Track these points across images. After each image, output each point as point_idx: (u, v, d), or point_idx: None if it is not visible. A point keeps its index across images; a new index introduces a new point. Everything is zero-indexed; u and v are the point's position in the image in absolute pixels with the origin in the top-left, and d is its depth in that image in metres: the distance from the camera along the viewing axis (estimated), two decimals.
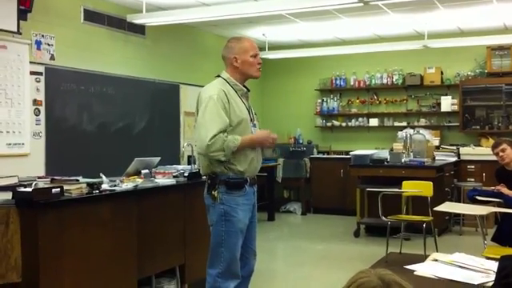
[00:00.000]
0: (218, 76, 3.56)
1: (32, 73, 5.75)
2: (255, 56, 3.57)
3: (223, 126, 3.29)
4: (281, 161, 9.36)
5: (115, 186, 3.99)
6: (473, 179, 8.17)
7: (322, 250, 6.78)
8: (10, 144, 5.49)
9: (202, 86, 3.58)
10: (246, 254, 3.57)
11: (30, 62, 5.73)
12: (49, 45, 5.99)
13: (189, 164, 5.48)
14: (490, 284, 2.00)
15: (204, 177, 3.59)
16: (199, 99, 3.44)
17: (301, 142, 9.82)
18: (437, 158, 7.96)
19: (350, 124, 9.84)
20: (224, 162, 3.35)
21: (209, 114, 3.30)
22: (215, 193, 3.37)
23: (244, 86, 3.60)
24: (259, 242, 6.04)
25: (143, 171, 4.38)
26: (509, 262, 1.80)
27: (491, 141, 7.41)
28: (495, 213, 5.28)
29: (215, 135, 3.25)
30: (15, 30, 5.45)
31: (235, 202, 3.40)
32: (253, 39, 7.65)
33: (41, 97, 5.85)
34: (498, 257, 2.29)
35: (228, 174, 3.38)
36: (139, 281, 4.19)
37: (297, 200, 9.71)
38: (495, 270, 1.87)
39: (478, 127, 8.80)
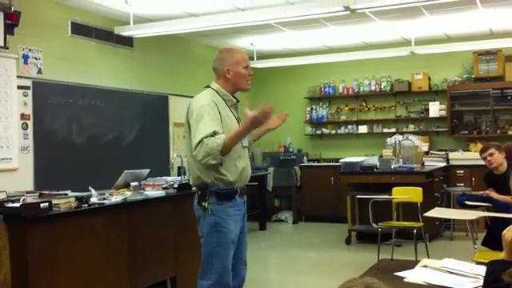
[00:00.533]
0: (208, 86, 3.55)
1: (19, 87, 5.73)
2: (247, 67, 3.58)
3: (210, 131, 3.21)
4: (271, 170, 9.36)
5: (104, 199, 3.98)
6: (462, 184, 8.20)
7: (314, 258, 6.78)
8: None
9: (192, 97, 3.57)
10: (237, 264, 3.55)
11: (18, 77, 5.71)
12: (36, 58, 5.97)
13: (179, 175, 5.48)
14: None
15: (194, 188, 3.56)
16: (189, 110, 3.39)
17: (291, 150, 9.83)
18: (426, 163, 8.00)
19: (339, 131, 9.87)
20: (215, 171, 3.32)
21: (200, 123, 3.25)
22: (206, 204, 3.35)
23: (233, 97, 3.58)
24: (251, 251, 6.02)
25: (132, 183, 4.37)
26: (497, 267, 1.81)
27: (479, 145, 7.45)
28: (485, 217, 5.30)
29: (198, 143, 3.20)
30: (2, 44, 5.44)
31: (226, 213, 3.38)
32: (241, 49, 7.66)
33: (28, 111, 5.82)
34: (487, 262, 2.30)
35: (218, 184, 3.36)
36: None
37: (288, 208, 9.71)
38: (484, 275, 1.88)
39: (466, 132, 8.86)
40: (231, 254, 3.42)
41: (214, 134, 3.20)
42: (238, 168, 3.46)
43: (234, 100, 3.60)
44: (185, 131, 3.48)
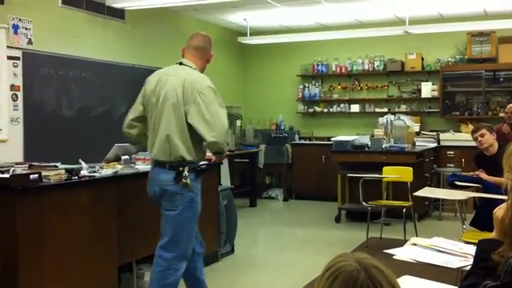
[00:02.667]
0: (181, 63, 3.61)
1: (9, 57, 5.65)
2: None
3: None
4: (262, 147, 9.36)
5: (94, 172, 3.95)
6: (452, 165, 8.25)
7: (303, 236, 6.82)
8: None
9: None
10: (198, 233, 3.72)
11: (7, 47, 5.63)
12: (26, 29, 5.88)
13: None
14: (469, 268, 2.01)
15: (166, 164, 3.47)
16: (190, 88, 3.39)
17: (282, 128, 9.82)
18: (417, 143, 8.02)
19: (331, 110, 9.86)
20: (200, 149, 3.49)
21: (217, 103, 3.42)
22: (187, 180, 3.39)
23: None
24: (241, 227, 6.07)
25: (123, 157, 4.34)
26: (487, 246, 1.81)
27: (471, 127, 7.46)
28: (474, 198, 5.34)
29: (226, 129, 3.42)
30: None
31: (197, 189, 3.51)
32: (234, 24, 7.59)
33: (18, 82, 5.75)
34: (477, 241, 2.32)
35: (196, 162, 3.47)
36: (120, 267, 4.17)
37: (278, 186, 9.73)
38: (473, 254, 1.88)
39: (457, 113, 8.88)
40: (196, 227, 3.60)
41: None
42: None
43: None
44: (175, 105, 3.40)
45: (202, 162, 3.64)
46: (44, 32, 6.09)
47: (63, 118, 6.27)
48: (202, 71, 3.63)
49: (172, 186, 3.42)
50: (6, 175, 3.37)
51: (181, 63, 3.60)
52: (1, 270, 3.35)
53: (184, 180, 3.38)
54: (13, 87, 5.69)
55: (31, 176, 3.41)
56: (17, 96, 5.74)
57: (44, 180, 3.51)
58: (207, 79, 3.48)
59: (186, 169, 3.39)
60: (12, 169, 3.51)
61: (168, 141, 3.41)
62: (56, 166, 3.71)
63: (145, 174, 4.41)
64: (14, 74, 5.71)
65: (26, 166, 3.75)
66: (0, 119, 5.53)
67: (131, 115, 3.70)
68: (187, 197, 3.42)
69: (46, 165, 3.73)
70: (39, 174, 3.47)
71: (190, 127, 3.39)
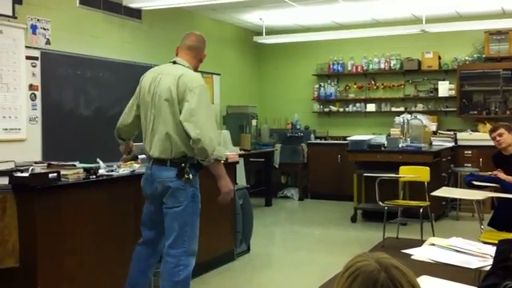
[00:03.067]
0: (175, 62, 3.65)
1: (28, 57, 5.71)
2: None
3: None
4: (278, 146, 9.35)
5: (112, 171, 3.98)
6: (470, 164, 8.18)
7: (319, 235, 6.80)
8: (6, 129, 5.47)
9: (200, 71, 3.61)
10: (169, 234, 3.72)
11: (26, 47, 5.69)
12: (44, 29, 5.94)
13: None
14: (488, 268, 2.00)
15: (168, 161, 3.51)
16: (182, 86, 3.42)
17: (298, 127, 9.81)
18: (434, 143, 7.96)
19: (347, 109, 9.82)
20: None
21: (208, 106, 3.48)
22: (189, 176, 3.45)
23: None
24: (257, 226, 6.08)
25: (140, 156, 4.36)
26: (506, 246, 1.80)
27: (488, 126, 7.40)
28: (492, 198, 5.29)
29: (213, 133, 3.45)
30: (10, 14, 5.41)
31: (198, 184, 3.57)
32: (250, 23, 7.55)
33: (37, 81, 5.81)
34: (495, 241, 2.30)
35: (195, 158, 3.49)
36: None
37: (294, 185, 9.72)
38: (492, 255, 1.87)
39: (475, 112, 8.80)
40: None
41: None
42: None
43: None
44: (170, 103, 3.44)
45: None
46: (62, 32, 6.15)
47: (81, 118, 6.33)
48: (195, 70, 3.68)
49: (175, 183, 3.46)
50: (26, 174, 3.40)
51: (174, 62, 3.65)
52: (20, 268, 3.39)
53: (186, 175, 3.44)
54: (31, 87, 5.75)
55: (50, 175, 3.45)
56: (35, 95, 5.80)
57: (62, 179, 3.54)
58: (200, 78, 3.56)
59: (188, 165, 3.46)
60: (31, 168, 3.55)
61: (168, 138, 3.45)
62: (74, 165, 3.75)
63: None
64: (33, 74, 5.77)
65: (45, 165, 3.79)
66: (19, 119, 5.59)
67: (126, 120, 3.81)
68: (190, 192, 3.48)
69: (64, 164, 3.77)
70: (58, 173, 3.50)
71: None
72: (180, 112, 3.39)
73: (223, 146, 7.35)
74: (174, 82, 3.43)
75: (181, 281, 3.46)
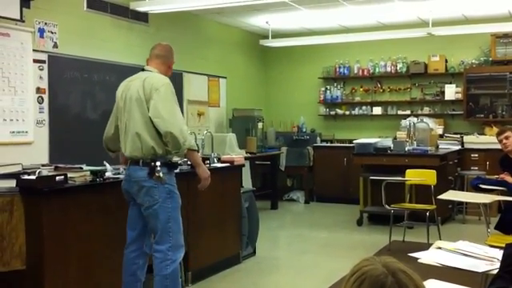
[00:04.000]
0: (143, 70, 3.84)
1: (35, 61, 5.73)
2: None
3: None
4: (284, 149, 9.35)
5: (119, 173, 4.00)
6: (476, 168, 8.15)
7: (325, 238, 6.80)
8: (13, 132, 5.49)
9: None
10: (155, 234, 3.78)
11: (33, 50, 5.71)
12: (52, 32, 5.97)
13: None
14: (495, 272, 1.99)
15: (140, 160, 3.62)
16: (148, 86, 3.61)
17: (304, 130, 9.81)
18: (440, 146, 7.94)
19: (353, 112, 9.82)
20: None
21: (173, 101, 3.65)
22: (160, 174, 3.54)
23: None
24: (263, 229, 6.08)
25: None
26: None
27: (495, 129, 7.37)
28: (499, 201, 5.27)
29: (181, 131, 3.56)
30: (18, 17, 5.43)
31: (173, 181, 3.68)
32: (256, 27, 7.47)
33: (44, 85, 5.83)
34: (502, 245, 2.29)
35: (167, 156, 3.62)
36: None
37: (300, 188, 9.72)
38: (499, 258, 1.86)
39: (482, 115, 8.77)
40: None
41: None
42: None
43: None
44: (138, 103, 3.61)
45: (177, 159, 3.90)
46: (69, 35, 6.17)
47: (88, 121, 6.35)
48: (166, 76, 3.85)
49: (147, 182, 3.57)
50: (33, 177, 3.42)
51: (143, 69, 3.86)
52: (27, 270, 3.40)
53: (157, 174, 3.53)
54: (38, 90, 5.78)
55: (57, 178, 3.47)
56: (42, 99, 5.82)
57: (69, 182, 3.56)
58: (165, 78, 3.73)
59: (158, 163, 3.54)
60: (38, 171, 3.56)
61: (138, 137, 3.58)
62: (81, 168, 3.77)
63: None
64: (40, 77, 5.80)
65: (52, 167, 3.81)
66: (26, 122, 5.61)
67: (109, 131, 3.94)
68: (163, 189, 3.58)
69: (71, 167, 3.79)
70: (65, 175, 3.52)
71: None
72: (148, 110, 3.56)
73: (229, 149, 7.38)
74: (141, 84, 3.64)
75: (169, 274, 3.60)
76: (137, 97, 3.63)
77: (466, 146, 8.41)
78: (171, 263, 3.61)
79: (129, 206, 3.76)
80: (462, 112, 8.92)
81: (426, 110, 9.24)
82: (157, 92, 3.57)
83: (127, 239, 3.76)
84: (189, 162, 4.79)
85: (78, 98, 6.25)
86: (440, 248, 2.72)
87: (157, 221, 3.59)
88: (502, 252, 1.96)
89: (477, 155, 8.31)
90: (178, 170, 3.86)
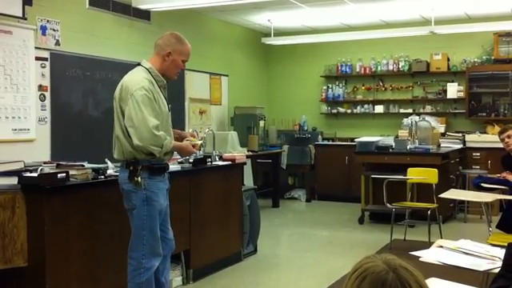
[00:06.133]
0: (139, 64, 3.64)
1: (37, 58, 5.74)
2: (184, 62, 3.71)
3: (156, 123, 3.38)
4: (285, 147, 9.35)
5: None
6: (478, 166, 8.14)
7: (326, 237, 6.79)
8: (15, 129, 5.50)
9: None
10: (165, 234, 3.69)
11: (36, 48, 5.72)
12: (54, 30, 5.97)
13: None
14: (496, 271, 1.99)
15: (120, 162, 3.56)
16: (124, 89, 3.45)
17: (306, 128, 9.80)
18: (442, 145, 7.94)
19: (355, 111, 9.81)
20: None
21: (145, 106, 3.36)
22: (138, 179, 3.41)
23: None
24: (264, 227, 6.09)
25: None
26: None
27: (497, 128, 7.37)
28: (500, 200, 5.27)
29: (158, 130, 3.37)
30: (20, 15, 5.44)
31: (157, 187, 3.50)
32: (258, 25, 7.51)
33: (46, 82, 5.84)
34: (504, 244, 2.29)
35: (150, 159, 3.44)
36: None
37: (301, 187, 9.72)
38: (501, 257, 1.86)
39: (484, 114, 8.76)
40: (158, 224, 3.55)
41: (157, 127, 3.37)
42: None
43: (165, 81, 3.67)
44: (116, 106, 3.49)
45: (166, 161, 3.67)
46: (71, 33, 6.18)
47: (90, 119, 6.35)
48: (163, 67, 3.60)
49: (126, 185, 3.47)
50: (35, 174, 3.42)
51: (139, 64, 3.67)
52: (29, 267, 3.41)
53: (136, 178, 3.41)
54: (41, 87, 5.78)
55: (59, 175, 3.47)
56: (44, 96, 5.83)
57: (71, 179, 3.56)
58: (140, 81, 3.45)
59: (140, 167, 3.42)
60: (40, 168, 3.57)
61: (118, 140, 3.49)
62: (83, 166, 3.77)
63: (169, 174, 4.46)
64: (42, 75, 5.80)
65: (54, 165, 3.81)
66: (28, 119, 5.62)
67: None
68: (141, 195, 3.43)
69: (73, 164, 3.79)
70: (67, 173, 3.52)
71: None
72: (123, 115, 3.43)
73: (231, 147, 7.38)
74: (119, 86, 3.52)
75: (143, 283, 3.48)
76: (116, 99, 3.51)
77: (468, 144, 8.40)
78: (145, 271, 3.47)
79: None
80: (464, 110, 8.91)
81: (428, 108, 9.23)
82: (131, 98, 3.38)
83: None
84: (190, 160, 4.82)
85: (80, 96, 6.26)
86: (441, 247, 2.72)
87: (133, 225, 3.49)
88: (503, 251, 1.96)
89: (479, 154, 8.30)
90: (163, 177, 3.61)
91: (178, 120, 7.86)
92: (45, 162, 3.98)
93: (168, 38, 3.65)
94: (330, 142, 9.70)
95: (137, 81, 3.45)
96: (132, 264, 3.50)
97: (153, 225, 3.49)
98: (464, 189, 7.54)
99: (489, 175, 6.38)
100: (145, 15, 7.25)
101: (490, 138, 7.95)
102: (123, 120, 3.42)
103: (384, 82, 9.64)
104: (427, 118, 7.91)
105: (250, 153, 7.95)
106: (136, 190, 3.43)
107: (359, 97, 9.81)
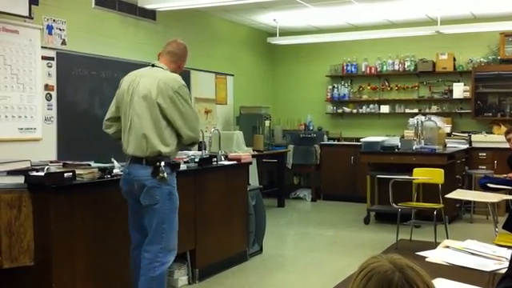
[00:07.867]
0: (153, 65, 3.76)
1: (44, 58, 5.76)
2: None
3: None
4: (291, 147, 9.35)
5: None
6: (484, 167, 8.12)
7: (331, 237, 6.79)
8: (21, 129, 5.52)
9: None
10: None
11: (42, 47, 5.74)
12: (60, 29, 5.99)
13: (199, 149, 5.50)
14: (503, 271, 1.98)
15: (143, 159, 3.57)
16: (164, 86, 3.53)
17: (311, 128, 9.80)
18: (448, 145, 7.91)
19: (360, 111, 9.80)
20: (176, 145, 3.63)
21: (190, 101, 3.67)
22: (164, 174, 3.50)
23: None
24: (270, 227, 6.08)
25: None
26: None
27: (503, 128, 7.35)
28: (506, 200, 5.26)
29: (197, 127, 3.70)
30: (27, 14, 5.46)
31: (175, 182, 3.65)
32: (264, 25, 7.44)
33: (52, 82, 5.86)
34: (510, 244, 2.28)
35: (170, 156, 3.60)
36: None
37: (307, 186, 9.71)
38: (508, 257, 1.86)
39: (490, 114, 8.73)
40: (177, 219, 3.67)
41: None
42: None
43: None
44: (148, 104, 3.52)
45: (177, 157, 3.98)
46: (77, 32, 6.20)
47: (96, 118, 6.34)
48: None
49: (150, 181, 3.51)
50: (41, 173, 3.44)
51: (153, 65, 3.77)
52: (35, 266, 3.42)
53: (161, 174, 3.49)
54: (47, 87, 5.80)
55: (65, 174, 3.48)
56: (51, 95, 5.85)
57: (78, 178, 3.57)
58: (180, 78, 3.67)
59: (162, 163, 3.51)
60: (46, 167, 3.58)
61: (145, 137, 3.52)
62: (89, 165, 3.78)
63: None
64: (48, 74, 5.82)
65: (60, 164, 3.82)
66: (34, 118, 5.64)
67: (106, 116, 3.90)
68: (165, 190, 3.54)
69: (79, 163, 3.80)
70: (73, 172, 3.53)
71: (168, 123, 3.55)
72: (163, 112, 3.51)
73: (236, 147, 7.39)
74: (154, 83, 3.55)
75: (156, 277, 3.53)
76: (147, 95, 3.51)
77: (474, 144, 8.37)
78: (160, 266, 3.53)
79: (128, 204, 3.70)
80: (470, 110, 8.88)
81: (434, 108, 9.21)
82: (176, 94, 3.53)
83: (132, 240, 3.71)
84: (196, 160, 4.82)
85: (86, 95, 6.28)
86: (448, 247, 2.71)
87: (152, 220, 3.53)
88: (509, 251, 1.95)
89: (485, 154, 8.27)
90: (181, 168, 3.88)
91: None
92: (51, 161, 4.00)
93: (184, 49, 3.91)
94: (336, 142, 9.69)
95: (175, 78, 3.63)
96: (147, 258, 3.54)
97: (173, 219, 3.61)
98: (470, 189, 7.52)
99: (495, 175, 6.38)
100: (150, 15, 7.26)
101: (496, 138, 7.92)
102: (160, 115, 3.51)
103: (390, 81, 9.63)
104: (433, 117, 7.88)
105: (256, 152, 7.95)
106: (160, 185, 3.51)
107: (365, 97, 9.79)
